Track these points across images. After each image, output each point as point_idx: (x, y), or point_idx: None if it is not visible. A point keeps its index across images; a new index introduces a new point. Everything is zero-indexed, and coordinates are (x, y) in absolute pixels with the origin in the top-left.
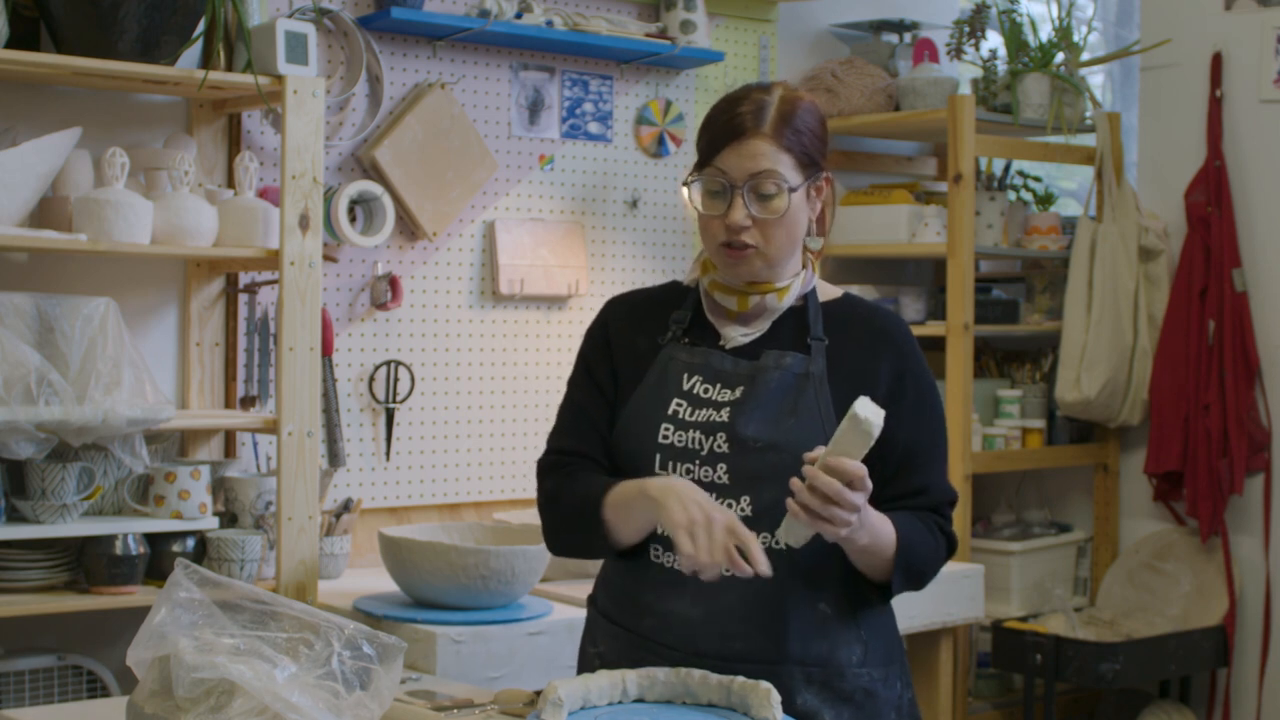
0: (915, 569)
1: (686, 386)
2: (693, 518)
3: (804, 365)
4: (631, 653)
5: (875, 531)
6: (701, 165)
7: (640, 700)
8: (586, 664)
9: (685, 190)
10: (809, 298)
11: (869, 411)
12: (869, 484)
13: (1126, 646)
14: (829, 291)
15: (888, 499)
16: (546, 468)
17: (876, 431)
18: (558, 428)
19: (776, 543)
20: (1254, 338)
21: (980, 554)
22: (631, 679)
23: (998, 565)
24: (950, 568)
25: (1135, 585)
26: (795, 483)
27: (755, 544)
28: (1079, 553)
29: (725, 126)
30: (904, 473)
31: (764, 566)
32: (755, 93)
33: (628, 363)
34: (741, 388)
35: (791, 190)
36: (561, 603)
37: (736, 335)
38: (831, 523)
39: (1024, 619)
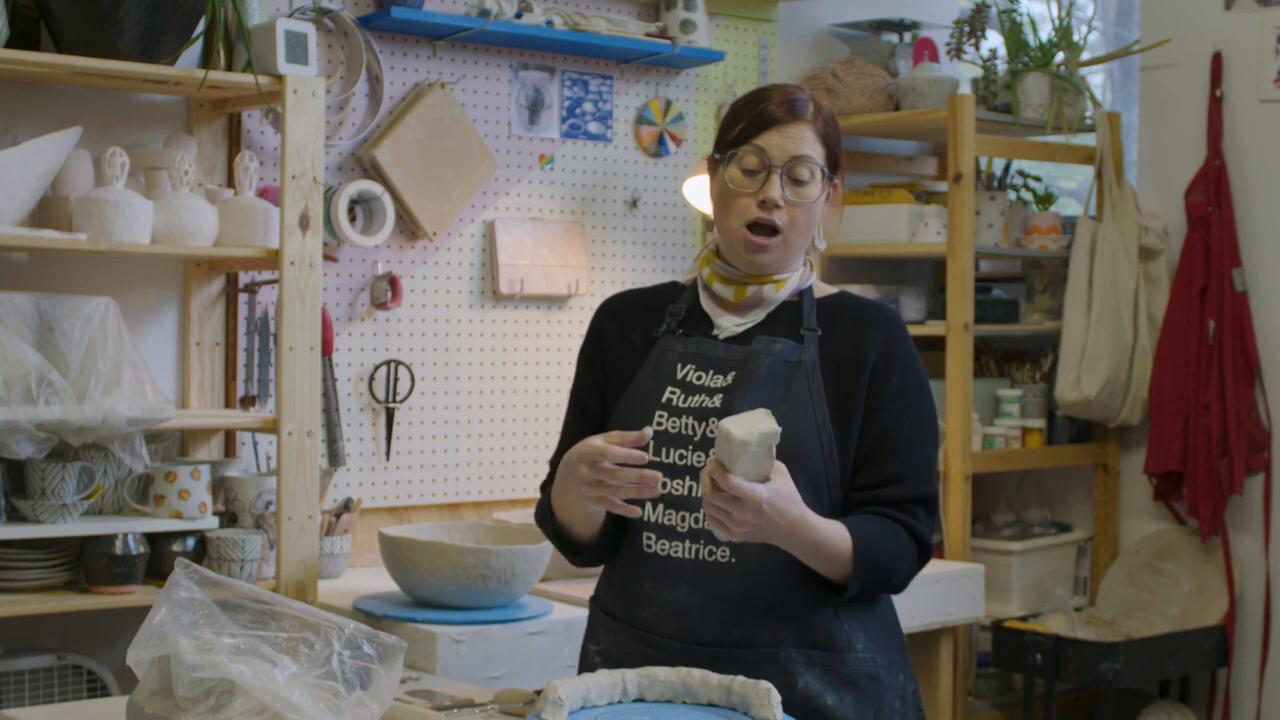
0: (876, 576)
1: (680, 375)
2: (564, 485)
3: (796, 353)
4: (631, 647)
5: (816, 541)
6: (737, 144)
7: (640, 700)
8: (587, 662)
9: (712, 170)
10: (804, 294)
11: (732, 424)
12: (740, 491)
13: (1126, 646)
14: (824, 290)
15: (857, 488)
16: (541, 489)
17: (740, 436)
18: (557, 448)
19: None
20: (1254, 338)
21: (980, 554)
22: (631, 679)
23: (998, 565)
24: (950, 567)
25: (1135, 585)
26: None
27: (606, 449)
28: (1079, 552)
29: (766, 111)
30: (875, 459)
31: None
32: (787, 88)
33: (621, 359)
34: (734, 373)
35: (823, 177)
36: (561, 603)
37: (730, 325)
38: (720, 523)
39: (1024, 619)
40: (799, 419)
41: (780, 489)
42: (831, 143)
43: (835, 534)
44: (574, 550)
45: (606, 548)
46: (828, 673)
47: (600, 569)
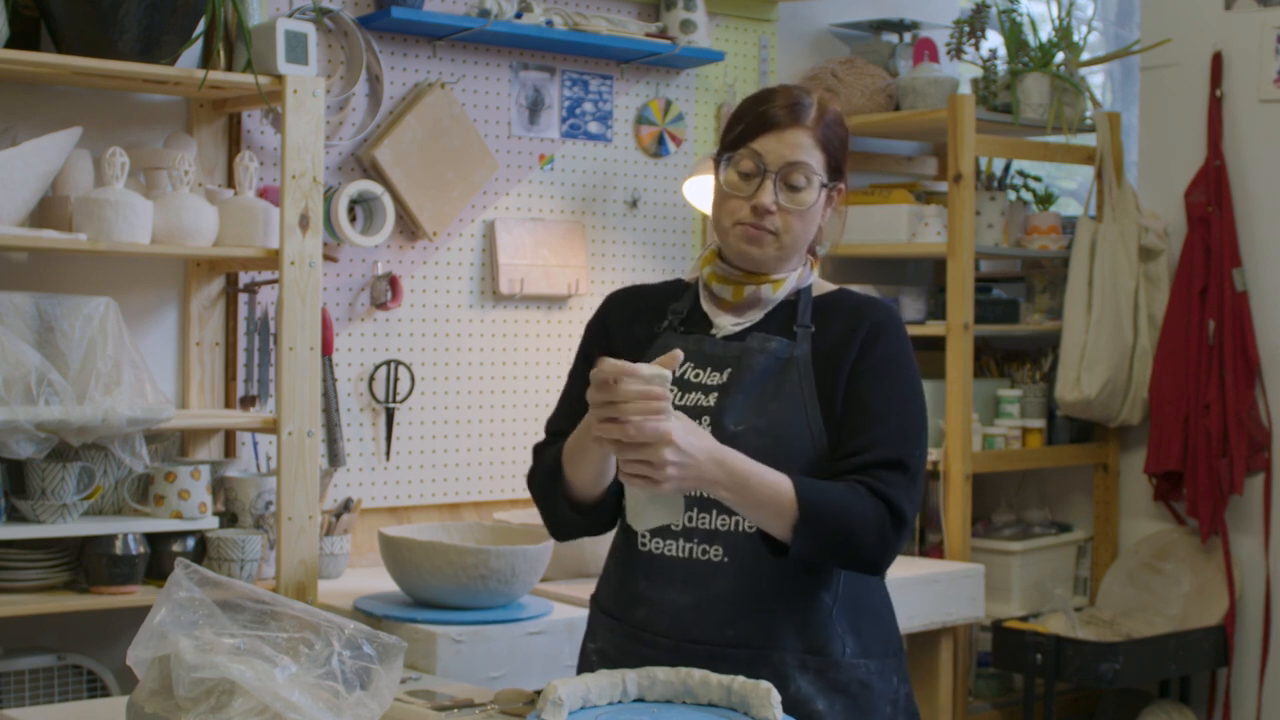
0: (829, 530)
1: (678, 372)
2: (583, 435)
3: (788, 350)
4: (627, 645)
5: (745, 474)
6: (735, 146)
7: (640, 700)
8: (585, 661)
9: (716, 169)
10: (802, 293)
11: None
12: (644, 433)
13: (1126, 646)
14: (824, 288)
15: (836, 459)
16: (534, 451)
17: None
18: (553, 413)
19: (750, 527)
20: (1254, 337)
21: (980, 554)
22: (631, 679)
23: (998, 565)
24: (950, 567)
25: (1135, 585)
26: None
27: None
28: (1079, 552)
29: (766, 114)
30: (850, 430)
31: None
32: (794, 90)
33: (625, 350)
34: (729, 370)
35: (821, 186)
36: (561, 603)
37: (728, 324)
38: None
39: (1024, 619)
40: (789, 415)
41: (682, 421)
42: (833, 148)
43: (768, 472)
44: (576, 509)
45: (606, 514)
46: (820, 678)
47: (599, 569)
